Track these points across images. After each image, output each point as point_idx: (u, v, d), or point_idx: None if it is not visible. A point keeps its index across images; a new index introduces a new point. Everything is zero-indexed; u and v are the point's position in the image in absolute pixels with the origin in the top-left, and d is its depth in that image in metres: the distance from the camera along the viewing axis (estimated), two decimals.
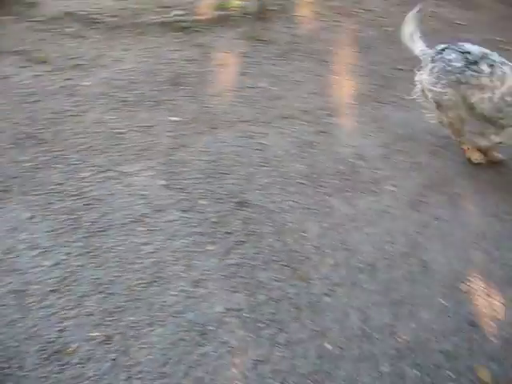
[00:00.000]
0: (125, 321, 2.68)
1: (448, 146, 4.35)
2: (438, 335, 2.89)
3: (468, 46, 3.74)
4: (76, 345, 2.55)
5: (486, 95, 3.60)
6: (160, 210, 3.35)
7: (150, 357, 2.55)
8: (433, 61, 3.84)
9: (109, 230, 3.17)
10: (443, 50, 3.82)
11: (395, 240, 3.43)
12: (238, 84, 4.68)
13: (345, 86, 4.88)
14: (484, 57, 3.64)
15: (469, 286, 3.21)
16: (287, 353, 2.68)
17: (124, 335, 2.62)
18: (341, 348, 2.75)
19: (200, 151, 3.87)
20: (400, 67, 5.34)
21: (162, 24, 5.23)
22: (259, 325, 2.78)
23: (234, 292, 2.92)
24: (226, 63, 4.92)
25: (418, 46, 4.00)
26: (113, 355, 2.53)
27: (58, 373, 2.43)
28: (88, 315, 2.68)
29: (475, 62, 3.63)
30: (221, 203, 3.48)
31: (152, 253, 3.07)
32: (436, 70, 3.81)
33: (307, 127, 4.29)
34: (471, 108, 3.82)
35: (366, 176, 3.91)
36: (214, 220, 3.35)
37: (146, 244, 3.11)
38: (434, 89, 3.86)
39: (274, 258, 3.17)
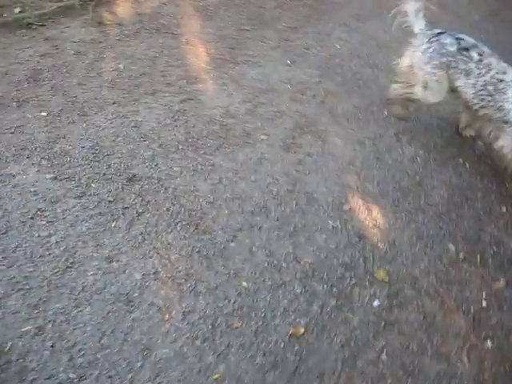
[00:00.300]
0: (52, 309, 2.67)
1: (304, 91, 4.61)
2: (335, 252, 3.16)
3: (462, 35, 3.80)
4: (10, 343, 2.52)
5: (471, 81, 3.64)
6: (55, 202, 3.30)
7: (86, 335, 2.58)
8: (429, 41, 3.85)
9: (10, 231, 3.08)
10: (440, 33, 3.85)
11: (278, 181, 3.64)
12: (98, 69, 4.61)
13: (199, 54, 4.97)
14: (475, 46, 3.70)
15: (350, 205, 3.51)
16: (210, 299, 2.82)
17: (55, 322, 2.62)
18: (255, 283, 2.94)
19: (78, 139, 3.82)
20: (245, 28, 5.51)
21: (5, 24, 4.98)
22: (178, 281, 2.89)
23: (147, 258, 3.00)
24: (81, 52, 4.81)
25: (419, 24, 3.97)
26: (49, 343, 2.53)
27: (1, 373, 2.41)
28: (14, 313, 2.63)
29: (466, 49, 3.69)
30: (112, 182, 3.48)
31: (59, 242, 3.04)
32: (431, 50, 3.82)
33: (174, 98, 4.35)
34: (455, 92, 3.85)
35: (238, 131, 4.07)
36: (109, 199, 3.36)
37: (50, 235, 3.08)
38: (425, 68, 3.87)
39: (174, 220, 3.26)
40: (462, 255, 3.26)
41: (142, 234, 3.14)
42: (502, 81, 3.52)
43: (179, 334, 2.63)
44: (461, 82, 3.70)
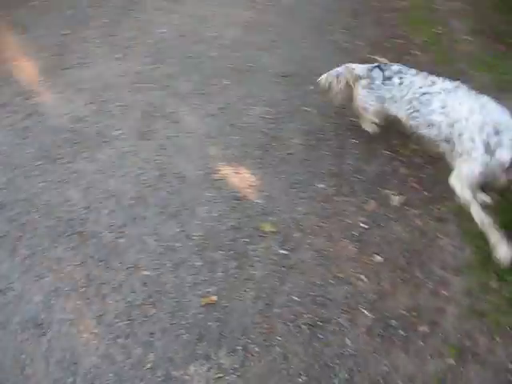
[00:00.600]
0: None
1: (143, 79, 4.58)
2: (220, 219, 3.24)
3: (392, 65, 3.55)
4: None
5: (398, 104, 3.39)
6: None
7: (6, 371, 2.44)
8: (365, 77, 3.64)
9: None
10: (373, 68, 3.62)
11: (146, 170, 3.62)
12: None
13: (27, 68, 4.71)
14: (399, 72, 3.45)
15: (220, 173, 3.57)
16: (118, 296, 2.77)
17: None
18: (156, 269, 2.93)
19: None
20: (66, 32, 5.31)
21: None
22: (81, 290, 2.80)
23: (42, 278, 2.86)
24: None
25: (360, 67, 3.74)
26: None
27: None
28: None
29: (389, 78, 3.46)
30: None
31: None
32: (365, 87, 3.63)
33: (15, 116, 4.11)
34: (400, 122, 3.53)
35: (91, 133, 3.95)
36: None
37: None
38: (366, 106, 3.69)
39: (57, 234, 3.13)
40: (331, 190, 3.46)
41: (28, 257, 2.99)
42: (425, 93, 3.22)
43: (100, 339, 2.56)
44: (395, 111, 3.46)
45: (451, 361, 2.47)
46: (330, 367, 2.44)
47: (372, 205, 3.34)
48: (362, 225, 3.21)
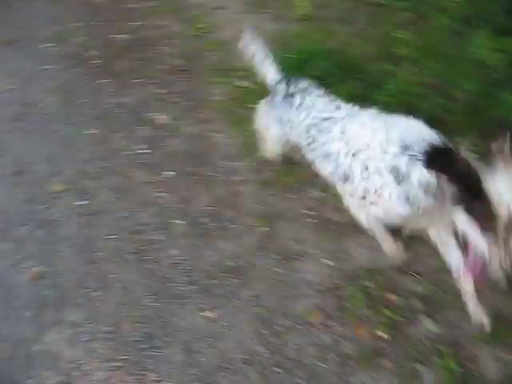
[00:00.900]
0: None
1: None
2: (11, 197, 3.17)
3: (301, 80, 2.70)
4: None
5: (296, 131, 2.60)
6: None
7: None
8: (269, 91, 2.88)
9: None
10: (280, 80, 2.81)
11: None
12: None
13: None
14: (304, 90, 2.63)
15: None
16: None
17: None
18: None
19: None
20: None
21: None
22: None
23: None
24: None
25: (270, 74, 2.88)
26: None
27: None
28: None
29: (292, 95, 2.65)
30: None
31: None
32: (266, 102, 2.89)
33: None
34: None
35: None
36: None
37: None
38: (266, 127, 2.93)
39: None
40: (102, 132, 3.54)
41: None
42: (327, 119, 2.46)
43: None
44: (293, 138, 2.69)
45: (262, 228, 2.83)
46: (167, 278, 2.66)
47: (144, 130, 3.51)
48: (142, 151, 3.38)
